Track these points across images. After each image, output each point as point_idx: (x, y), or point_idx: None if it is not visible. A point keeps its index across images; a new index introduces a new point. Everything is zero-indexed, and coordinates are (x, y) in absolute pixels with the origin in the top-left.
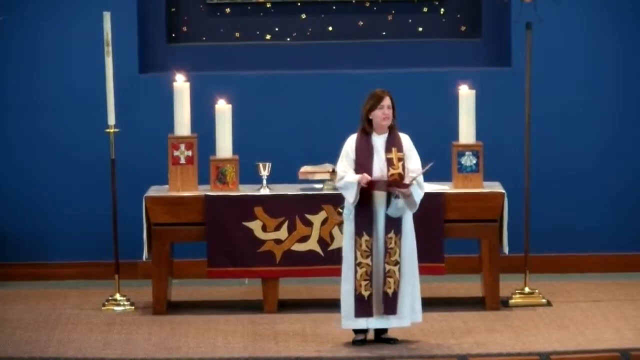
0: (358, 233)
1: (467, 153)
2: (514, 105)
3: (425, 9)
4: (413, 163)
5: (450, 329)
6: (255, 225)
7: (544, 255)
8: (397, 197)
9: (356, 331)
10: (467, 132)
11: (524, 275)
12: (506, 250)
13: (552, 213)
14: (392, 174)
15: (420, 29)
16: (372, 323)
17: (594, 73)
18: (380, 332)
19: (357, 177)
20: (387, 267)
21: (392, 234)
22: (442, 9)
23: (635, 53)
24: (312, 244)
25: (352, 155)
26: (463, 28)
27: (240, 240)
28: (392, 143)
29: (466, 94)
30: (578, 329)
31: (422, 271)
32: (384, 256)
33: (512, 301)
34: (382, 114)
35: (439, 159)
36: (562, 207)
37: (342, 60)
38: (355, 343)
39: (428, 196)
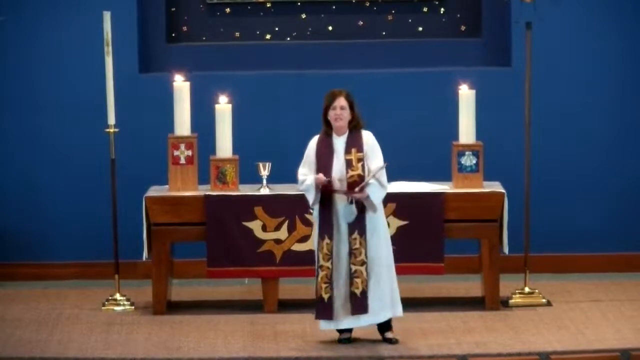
0: (320, 236)
1: (467, 153)
2: (514, 105)
3: (425, 9)
4: (375, 162)
5: (450, 329)
6: (255, 225)
7: (544, 255)
8: (351, 202)
9: (340, 331)
10: (467, 132)
11: (524, 275)
12: (506, 250)
13: (552, 213)
14: (352, 176)
15: (420, 29)
16: (342, 324)
17: (594, 73)
18: (383, 331)
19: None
20: (354, 267)
21: (355, 235)
22: (442, 9)
23: (635, 53)
24: (312, 244)
25: (313, 158)
26: (463, 28)
27: (240, 240)
28: (352, 144)
29: (466, 94)
30: (578, 329)
31: (422, 271)
32: (348, 257)
33: (512, 301)
34: (334, 114)
35: (439, 159)
36: (562, 207)
37: (342, 60)
38: (340, 342)
39: (428, 196)
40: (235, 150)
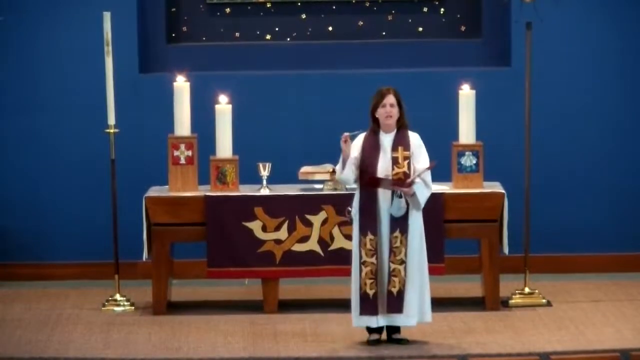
0: (363, 232)
1: (467, 153)
2: (514, 105)
3: (425, 9)
4: (420, 162)
5: (450, 329)
6: (255, 226)
7: (544, 255)
8: (399, 196)
9: (370, 331)
10: (467, 132)
11: (524, 275)
12: (506, 250)
13: (552, 213)
14: (397, 173)
15: (420, 29)
16: (379, 321)
17: (593, 73)
18: (391, 332)
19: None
20: (392, 265)
21: (397, 233)
22: (442, 9)
23: (635, 53)
24: (312, 244)
25: (357, 154)
26: (463, 28)
27: (240, 241)
28: (399, 142)
29: (466, 94)
30: (578, 329)
31: None
32: (388, 255)
33: (512, 301)
34: (385, 112)
35: (439, 159)
36: (562, 207)
37: (342, 60)
38: (370, 343)
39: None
40: (235, 150)
